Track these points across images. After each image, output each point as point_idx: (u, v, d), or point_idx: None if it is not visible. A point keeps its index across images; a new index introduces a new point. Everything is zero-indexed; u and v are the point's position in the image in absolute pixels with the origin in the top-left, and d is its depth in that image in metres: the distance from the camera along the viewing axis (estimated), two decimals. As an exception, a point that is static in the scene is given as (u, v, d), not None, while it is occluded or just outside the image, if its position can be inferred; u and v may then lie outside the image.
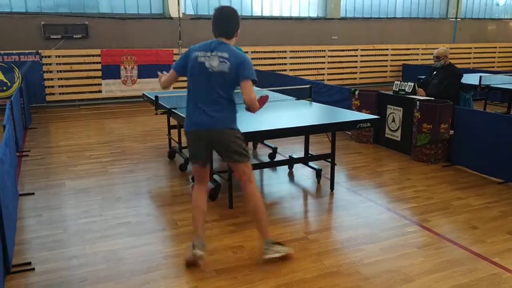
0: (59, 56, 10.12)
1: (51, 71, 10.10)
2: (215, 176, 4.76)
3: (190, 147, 3.34)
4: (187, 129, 3.28)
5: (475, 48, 15.18)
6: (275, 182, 5.21)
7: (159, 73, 3.51)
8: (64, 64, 10.19)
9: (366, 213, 4.28)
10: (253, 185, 3.34)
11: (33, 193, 4.76)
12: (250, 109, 3.25)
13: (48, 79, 10.06)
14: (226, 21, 3.22)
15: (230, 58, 3.13)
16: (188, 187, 5.01)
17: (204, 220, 3.37)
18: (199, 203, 3.36)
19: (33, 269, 3.25)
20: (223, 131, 3.20)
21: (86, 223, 4.04)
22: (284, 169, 5.57)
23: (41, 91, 9.88)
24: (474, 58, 15.17)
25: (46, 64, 9.99)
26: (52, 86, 10.17)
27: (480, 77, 7.78)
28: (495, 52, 15.56)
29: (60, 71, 10.21)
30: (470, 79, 7.97)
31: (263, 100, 3.35)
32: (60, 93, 10.28)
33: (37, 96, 9.76)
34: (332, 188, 4.87)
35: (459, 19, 14.87)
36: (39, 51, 9.79)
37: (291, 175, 5.43)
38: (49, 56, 10.00)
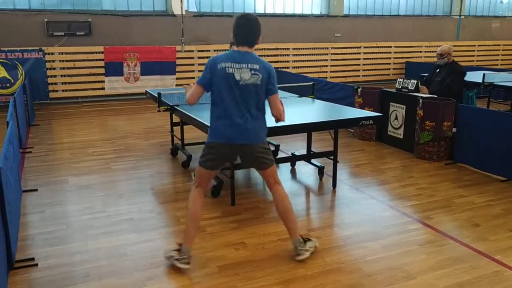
0: (62, 53, 10.14)
1: (54, 68, 10.12)
2: (217, 173, 4.77)
3: (211, 156, 3.22)
4: (213, 139, 3.20)
5: (478, 45, 15.12)
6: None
7: (186, 86, 3.46)
8: (67, 61, 10.21)
9: (368, 210, 4.28)
10: (281, 187, 3.34)
11: (36, 190, 4.78)
12: (279, 120, 3.28)
13: (51, 76, 10.08)
14: (251, 29, 3.13)
15: (261, 70, 3.10)
16: (190, 183, 5.02)
17: (198, 230, 3.33)
18: (199, 210, 3.32)
19: (36, 264, 3.27)
20: (255, 146, 3.19)
21: (89, 219, 4.06)
22: (286, 166, 5.57)
23: (44, 88, 9.91)
24: (477, 55, 15.12)
25: (49, 61, 10.00)
26: (55, 83, 10.19)
27: (484, 74, 7.76)
28: (498, 50, 15.49)
29: (63, 68, 10.23)
30: (473, 76, 7.95)
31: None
32: (63, 90, 10.30)
33: (40, 93, 9.78)
34: (334, 185, 4.87)
35: (463, 17, 14.81)
36: (42, 48, 9.81)
37: (293, 172, 5.43)
38: (52, 53, 10.02)
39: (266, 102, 3.24)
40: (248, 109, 3.12)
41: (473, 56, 15.04)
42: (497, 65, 14.98)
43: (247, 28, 3.12)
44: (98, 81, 10.46)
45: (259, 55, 3.24)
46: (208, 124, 4.14)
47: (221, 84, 3.10)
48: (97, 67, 10.38)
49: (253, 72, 3.07)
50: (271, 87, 3.16)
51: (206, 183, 3.38)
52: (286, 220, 3.35)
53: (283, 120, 3.28)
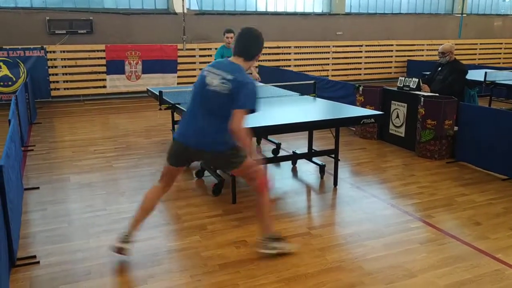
0: (64, 51, 10.15)
1: (56, 66, 10.13)
2: (219, 172, 4.78)
3: (172, 152, 3.27)
4: (175, 136, 3.27)
5: (480, 44, 15.08)
6: (279, 178, 5.22)
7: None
8: (69, 59, 10.22)
9: (370, 208, 4.28)
10: (258, 182, 3.25)
11: (38, 188, 4.80)
12: (236, 138, 3.03)
13: (53, 74, 10.09)
14: (246, 42, 3.12)
15: (233, 81, 2.98)
16: (192, 182, 5.03)
17: (144, 220, 3.35)
18: (151, 203, 3.36)
19: (38, 262, 3.28)
20: (210, 153, 3.16)
21: (91, 217, 4.07)
22: (287, 164, 5.57)
23: (46, 86, 9.92)
24: (479, 54, 15.09)
25: (51, 59, 10.01)
26: (57, 81, 10.21)
27: (485, 73, 7.74)
28: (501, 48, 15.46)
29: (65, 66, 10.24)
30: (475, 75, 7.93)
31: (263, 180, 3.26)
32: (65, 88, 10.31)
33: (42, 91, 9.80)
34: (335, 183, 4.87)
35: (465, 15, 14.78)
36: (44, 46, 9.81)
37: (294, 171, 5.43)
38: (54, 51, 10.03)
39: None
40: (210, 116, 3.07)
41: (475, 54, 15.01)
42: (499, 63, 14.95)
43: (243, 39, 3.13)
44: (100, 79, 10.47)
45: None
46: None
47: (196, 84, 3.19)
48: (99, 65, 10.39)
49: (223, 81, 3.00)
50: (238, 99, 2.95)
51: (167, 179, 3.38)
52: (258, 213, 3.39)
53: (243, 143, 3.02)
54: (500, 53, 15.47)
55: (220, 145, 3.11)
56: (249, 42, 3.13)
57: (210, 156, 3.20)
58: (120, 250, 3.25)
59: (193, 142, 3.13)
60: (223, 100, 3.00)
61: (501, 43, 15.45)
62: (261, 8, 12.31)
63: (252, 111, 3.00)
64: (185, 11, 10.96)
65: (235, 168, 3.22)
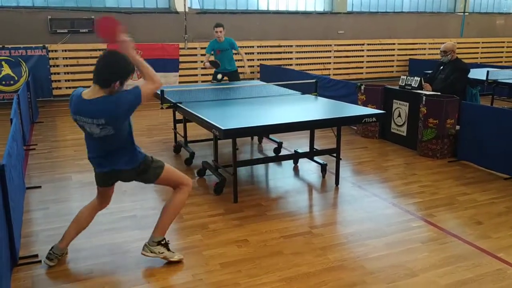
0: (65, 50, 10.16)
1: (57, 65, 10.15)
2: (220, 171, 4.78)
3: (96, 176, 3.25)
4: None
5: (482, 42, 15.05)
6: (280, 177, 5.22)
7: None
8: (70, 58, 10.23)
9: (371, 208, 4.28)
10: (178, 190, 3.26)
11: (40, 186, 4.80)
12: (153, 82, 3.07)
13: (54, 73, 10.11)
14: (101, 68, 2.91)
15: (107, 120, 2.83)
16: (193, 181, 5.02)
17: (75, 235, 3.32)
18: (86, 219, 3.37)
19: (40, 261, 3.29)
20: (125, 171, 3.10)
21: (92, 216, 4.07)
22: (289, 163, 5.57)
23: (48, 85, 9.93)
24: (481, 52, 15.05)
25: (53, 58, 10.03)
26: (59, 80, 10.22)
27: (488, 72, 7.72)
28: (503, 47, 15.42)
29: (67, 65, 10.25)
30: (477, 73, 7.91)
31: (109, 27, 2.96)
32: (66, 87, 10.32)
33: (44, 90, 9.81)
34: (337, 182, 4.87)
35: (467, 14, 14.74)
36: (46, 45, 9.83)
37: (296, 170, 5.43)
38: (55, 50, 10.04)
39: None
40: (107, 151, 3.04)
41: (477, 53, 14.97)
42: (501, 62, 14.91)
43: (98, 65, 2.92)
44: (102, 78, 10.47)
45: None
46: (211, 122, 4.17)
47: (82, 128, 3.03)
48: (101, 64, 10.38)
49: (101, 127, 2.86)
50: (122, 108, 2.87)
51: (102, 196, 3.41)
52: (163, 213, 3.28)
53: (156, 83, 3.07)
54: (502, 52, 15.43)
55: (131, 163, 3.09)
56: (103, 68, 2.91)
57: (124, 175, 3.16)
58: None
59: (102, 168, 3.13)
60: (115, 135, 2.94)
61: (504, 42, 15.41)
62: (263, 6, 12.30)
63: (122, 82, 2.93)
64: (187, 10, 10.96)
65: (152, 181, 3.21)
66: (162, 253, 3.24)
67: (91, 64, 10.16)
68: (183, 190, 3.27)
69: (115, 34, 2.92)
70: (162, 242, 3.25)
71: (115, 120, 2.86)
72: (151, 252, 3.23)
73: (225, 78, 7.43)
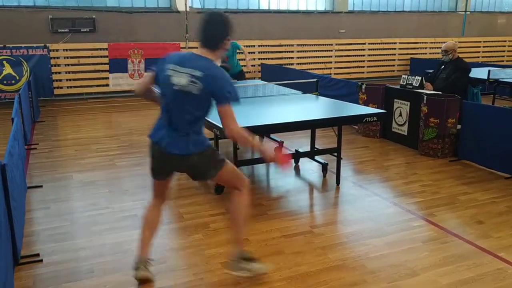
0: (66, 50, 10.16)
1: (59, 65, 10.15)
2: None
3: (150, 159, 2.95)
4: (151, 137, 2.92)
5: (484, 42, 15.02)
6: (281, 176, 5.22)
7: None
8: (71, 57, 10.24)
9: (372, 207, 4.28)
10: (236, 192, 2.96)
11: (41, 186, 4.81)
12: (236, 139, 2.79)
13: (56, 73, 10.12)
14: (208, 29, 2.74)
15: (202, 78, 2.63)
16: (194, 180, 5.03)
17: (152, 239, 3.07)
18: (153, 222, 3.08)
19: (41, 260, 3.30)
20: (184, 157, 2.79)
21: (93, 216, 4.08)
22: (290, 163, 5.57)
23: (49, 85, 9.94)
24: (483, 52, 15.02)
25: (54, 58, 10.04)
26: (60, 80, 10.23)
27: (489, 71, 7.71)
28: (504, 46, 15.39)
29: (68, 65, 10.26)
30: (478, 73, 7.90)
31: (282, 159, 2.84)
32: (68, 87, 10.34)
33: (45, 90, 9.83)
34: (338, 182, 4.87)
35: (468, 13, 14.71)
36: (47, 44, 9.84)
37: (297, 169, 5.43)
38: (57, 50, 10.05)
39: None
40: (181, 118, 2.75)
41: (479, 52, 14.95)
42: (503, 61, 14.89)
43: (204, 26, 2.76)
44: (103, 78, 10.49)
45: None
46: (212, 121, 4.17)
47: (163, 86, 2.84)
48: (102, 63, 10.40)
49: (191, 79, 2.65)
50: (218, 97, 2.67)
51: (159, 191, 3.07)
52: (233, 225, 3.05)
53: (247, 144, 2.79)
54: (504, 51, 15.40)
55: (195, 147, 2.79)
56: (208, 29, 2.74)
57: (183, 162, 2.83)
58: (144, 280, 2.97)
59: (166, 147, 2.81)
60: (195, 101, 2.69)
61: (505, 41, 15.38)
62: (264, 6, 12.29)
63: (235, 100, 2.70)
64: (188, 9, 10.96)
65: (213, 174, 2.88)
66: (249, 269, 3.00)
67: (92, 64, 10.27)
68: (242, 191, 2.95)
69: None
70: (246, 256, 3.03)
71: (209, 82, 2.64)
72: (240, 270, 2.99)
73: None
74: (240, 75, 7.79)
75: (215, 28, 2.75)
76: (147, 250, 3.03)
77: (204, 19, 2.78)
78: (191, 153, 2.79)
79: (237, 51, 7.86)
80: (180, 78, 2.70)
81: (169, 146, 2.80)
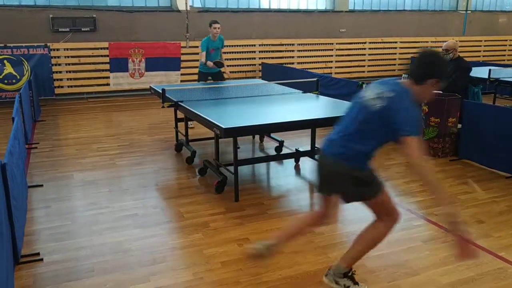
0: (67, 49, 10.16)
1: (59, 64, 10.15)
2: (221, 169, 4.78)
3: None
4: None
5: (485, 41, 14.99)
6: (282, 175, 5.22)
7: None
8: (72, 57, 10.23)
9: (372, 206, 4.27)
10: (379, 223, 2.83)
11: (42, 185, 4.82)
12: (417, 173, 2.64)
13: (56, 72, 10.11)
14: (418, 62, 2.65)
15: (390, 99, 2.55)
16: (194, 179, 5.04)
17: (292, 236, 3.01)
18: (302, 221, 3.06)
19: (42, 259, 3.30)
20: (333, 163, 2.74)
21: (94, 215, 4.09)
22: (290, 162, 5.57)
23: (50, 84, 9.94)
24: (484, 51, 15.00)
25: (55, 57, 10.03)
26: (61, 79, 10.23)
27: (490, 70, 7.70)
28: (505, 45, 15.36)
29: (69, 64, 10.25)
30: (479, 72, 7.89)
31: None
32: (68, 86, 10.34)
33: (45, 89, 9.82)
34: (338, 181, 4.86)
35: (469, 12, 14.69)
36: (48, 44, 9.83)
37: (297, 168, 5.43)
38: (57, 49, 10.05)
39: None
40: (352, 130, 2.77)
41: (480, 51, 14.92)
42: (503, 60, 14.86)
43: (416, 60, 2.68)
44: (103, 77, 10.48)
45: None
46: (212, 120, 4.17)
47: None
48: (102, 63, 10.40)
49: (379, 96, 2.61)
50: (401, 126, 2.52)
51: (322, 205, 2.95)
52: (354, 244, 2.94)
53: (425, 179, 2.58)
54: (504, 50, 15.37)
55: (348, 160, 2.73)
56: (421, 63, 2.63)
57: (330, 168, 2.78)
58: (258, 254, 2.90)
59: (323, 149, 2.83)
60: (371, 116, 2.62)
61: (506, 40, 15.35)
62: (264, 5, 12.28)
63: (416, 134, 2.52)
64: (188, 8, 10.95)
65: (366, 198, 2.78)
66: (348, 286, 2.89)
67: (93, 63, 10.27)
68: (389, 224, 2.82)
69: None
70: (349, 274, 2.90)
71: (393, 109, 2.54)
72: (336, 284, 2.90)
73: (209, 78, 7.33)
74: (220, 74, 7.41)
75: (427, 67, 2.61)
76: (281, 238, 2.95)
77: (420, 54, 2.68)
78: (346, 164, 2.79)
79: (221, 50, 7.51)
80: (369, 91, 2.69)
81: (329, 150, 2.86)
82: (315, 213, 3.04)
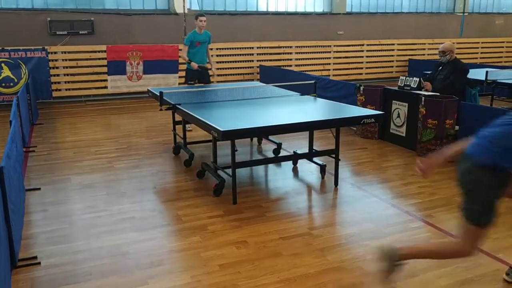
0: (65, 52, 10.16)
1: (57, 67, 10.15)
2: (219, 172, 4.78)
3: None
4: None
5: (482, 42, 15.04)
6: (280, 178, 5.22)
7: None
8: (70, 60, 10.23)
9: (370, 208, 4.28)
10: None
11: (39, 188, 4.81)
12: None
13: (54, 75, 10.11)
14: None
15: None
16: (192, 182, 5.03)
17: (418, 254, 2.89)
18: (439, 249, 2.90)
19: (39, 263, 3.29)
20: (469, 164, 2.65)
21: (91, 218, 4.08)
22: (288, 164, 5.57)
23: (48, 87, 9.93)
24: (481, 53, 15.05)
25: (52, 60, 10.03)
26: (59, 82, 10.22)
27: (487, 72, 7.72)
28: (502, 47, 15.41)
29: (66, 67, 10.26)
30: (476, 74, 7.91)
31: None
32: (66, 89, 10.33)
33: (43, 92, 9.82)
34: (336, 183, 4.87)
35: (467, 14, 14.74)
36: (46, 47, 9.83)
37: (295, 171, 5.43)
38: (55, 52, 10.05)
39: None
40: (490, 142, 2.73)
41: (477, 53, 14.97)
42: (500, 62, 14.90)
43: None
44: (101, 80, 10.48)
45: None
46: (210, 123, 4.17)
47: None
48: (100, 66, 10.40)
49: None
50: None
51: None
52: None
53: None
54: (502, 52, 15.42)
55: (484, 158, 2.63)
56: None
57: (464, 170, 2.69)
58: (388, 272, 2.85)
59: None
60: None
61: (503, 42, 15.40)
62: (262, 8, 12.30)
63: None
64: (186, 11, 10.96)
65: (463, 216, 2.57)
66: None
67: (91, 66, 10.26)
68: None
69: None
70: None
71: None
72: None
73: (196, 80, 7.27)
74: (207, 73, 7.29)
75: None
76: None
77: None
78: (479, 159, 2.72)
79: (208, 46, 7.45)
80: None
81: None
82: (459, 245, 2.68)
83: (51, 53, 9.97)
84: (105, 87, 10.51)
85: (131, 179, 5.14)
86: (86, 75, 10.40)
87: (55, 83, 10.13)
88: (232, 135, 4.09)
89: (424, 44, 14.10)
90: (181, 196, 4.63)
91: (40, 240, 3.67)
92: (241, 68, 11.71)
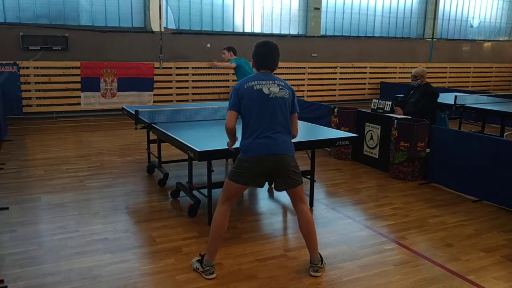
0: (37, 68, 9.99)
1: (28, 83, 9.95)
2: (195, 192, 4.74)
3: (242, 170, 3.29)
4: (247, 154, 3.28)
5: (450, 67, 15.59)
6: (255, 199, 5.21)
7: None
8: (42, 75, 10.05)
9: (345, 230, 4.31)
10: (306, 206, 3.52)
11: (7, 208, 4.65)
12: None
13: (25, 91, 9.90)
14: (275, 56, 3.44)
15: (286, 86, 3.38)
16: (167, 202, 4.97)
17: (220, 245, 3.51)
18: (225, 227, 3.42)
19: (6, 287, 3.16)
20: (287, 157, 3.31)
21: (62, 239, 3.96)
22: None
23: (18, 103, 9.71)
24: (449, 77, 15.58)
25: (24, 75, 9.84)
26: (30, 98, 10.01)
27: (456, 96, 7.98)
28: (469, 72, 16.00)
29: (38, 83, 10.07)
30: (446, 98, 8.17)
31: None
32: (37, 105, 10.12)
33: (13, 108, 9.58)
34: (311, 204, 4.90)
35: (435, 39, 15.28)
36: (17, 62, 9.64)
37: (270, 191, 5.44)
38: (27, 67, 9.87)
39: None
40: (278, 121, 3.27)
41: (445, 78, 15.49)
42: (468, 86, 15.45)
43: (273, 55, 3.44)
44: (74, 97, 10.32)
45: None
46: (187, 143, 4.16)
47: (253, 101, 3.25)
48: (73, 82, 10.25)
49: (281, 87, 3.32)
50: (295, 106, 3.42)
51: (236, 198, 3.55)
52: (311, 238, 3.48)
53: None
54: (468, 77, 16.01)
55: (291, 150, 3.37)
56: (275, 57, 3.47)
57: (284, 161, 3.32)
58: None
59: (269, 150, 3.25)
60: (287, 104, 3.33)
61: (470, 67, 16.01)
62: (238, 28, 12.44)
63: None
64: (162, 29, 10.98)
65: (298, 185, 3.45)
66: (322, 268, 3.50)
67: (63, 82, 10.10)
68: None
69: None
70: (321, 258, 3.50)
71: (291, 90, 3.44)
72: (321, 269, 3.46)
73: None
74: None
75: (278, 55, 3.50)
76: (215, 256, 3.43)
77: (267, 49, 3.44)
78: (287, 154, 3.32)
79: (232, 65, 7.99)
80: (272, 88, 3.29)
81: (269, 150, 3.24)
82: (227, 210, 3.45)
83: (23, 68, 9.78)
84: (78, 104, 10.35)
85: (103, 198, 5.04)
86: (58, 91, 10.22)
87: (26, 98, 9.92)
88: (209, 156, 4.08)
89: (395, 67, 14.50)
90: (155, 216, 4.56)
91: (7, 262, 3.53)
92: (217, 87, 11.75)
